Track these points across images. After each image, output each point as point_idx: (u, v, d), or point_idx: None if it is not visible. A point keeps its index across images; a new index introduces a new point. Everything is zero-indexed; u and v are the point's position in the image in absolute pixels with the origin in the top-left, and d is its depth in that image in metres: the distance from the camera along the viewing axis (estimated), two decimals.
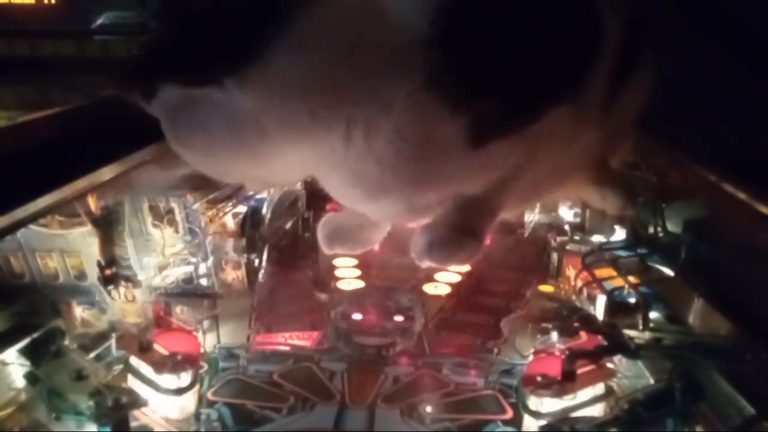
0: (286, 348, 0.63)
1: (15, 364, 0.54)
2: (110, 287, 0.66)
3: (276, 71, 0.30)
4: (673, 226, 0.73)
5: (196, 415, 0.53)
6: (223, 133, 0.32)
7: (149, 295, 0.67)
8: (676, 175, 0.81)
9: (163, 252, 0.73)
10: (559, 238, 0.78)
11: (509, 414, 0.53)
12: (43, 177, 0.74)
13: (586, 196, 0.51)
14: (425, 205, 0.36)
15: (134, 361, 0.55)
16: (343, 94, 0.31)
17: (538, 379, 0.51)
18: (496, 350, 0.62)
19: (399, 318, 0.67)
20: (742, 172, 0.71)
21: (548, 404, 0.50)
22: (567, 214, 0.86)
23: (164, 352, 0.55)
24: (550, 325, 0.60)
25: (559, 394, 0.50)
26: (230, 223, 0.83)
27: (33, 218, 0.69)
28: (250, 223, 0.80)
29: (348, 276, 0.75)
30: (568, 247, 0.77)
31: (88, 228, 0.69)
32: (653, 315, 0.62)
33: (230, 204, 0.83)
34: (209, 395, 0.55)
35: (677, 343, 0.57)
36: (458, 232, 0.35)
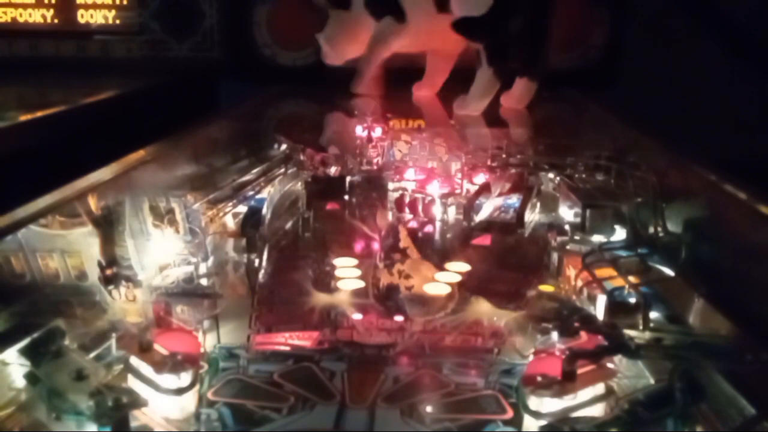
0: (286, 348, 0.63)
1: (15, 364, 0.54)
2: (111, 287, 0.66)
3: None
4: (673, 226, 0.73)
5: (197, 415, 0.53)
6: None
7: (149, 295, 0.67)
8: (676, 175, 0.81)
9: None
10: (559, 238, 0.78)
11: (509, 414, 0.53)
12: (43, 177, 0.74)
13: None
14: None
15: (134, 361, 0.55)
16: None
17: (538, 379, 0.51)
18: (496, 350, 0.62)
19: (399, 318, 0.67)
20: (742, 172, 0.71)
21: (548, 404, 0.50)
22: (567, 213, 0.86)
23: (164, 352, 0.55)
24: (550, 325, 0.60)
25: (559, 394, 0.49)
26: (230, 223, 0.83)
27: (33, 218, 0.70)
28: (250, 223, 0.80)
29: (348, 276, 0.75)
30: (568, 247, 0.77)
31: (89, 228, 0.69)
32: (653, 315, 0.62)
33: (230, 204, 0.83)
34: (209, 395, 0.55)
35: (677, 343, 0.57)
36: None
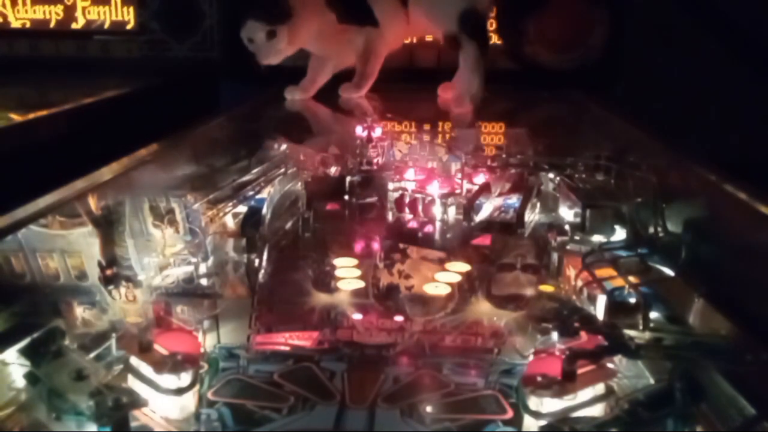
0: (286, 348, 0.63)
1: (15, 364, 0.54)
2: (111, 287, 0.66)
3: None
4: (673, 226, 0.73)
5: (197, 415, 0.53)
6: None
7: (149, 295, 0.68)
8: (676, 175, 0.81)
9: (163, 252, 0.73)
10: (559, 238, 0.78)
11: (509, 414, 0.53)
12: (43, 177, 0.74)
13: None
14: None
15: (134, 361, 0.55)
16: None
17: (538, 379, 0.51)
18: (496, 350, 0.62)
19: (399, 318, 0.67)
20: (742, 172, 0.71)
21: (548, 404, 0.50)
22: (567, 213, 0.86)
23: (164, 352, 0.55)
24: (550, 325, 0.60)
25: (559, 394, 0.50)
26: (230, 223, 0.83)
27: (33, 218, 0.70)
28: (250, 223, 0.80)
29: (348, 276, 0.75)
30: (568, 247, 0.77)
31: (89, 228, 0.70)
32: (653, 315, 0.62)
33: (230, 204, 0.83)
34: (209, 395, 0.55)
35: (677, 343, 0.57)
36: None
